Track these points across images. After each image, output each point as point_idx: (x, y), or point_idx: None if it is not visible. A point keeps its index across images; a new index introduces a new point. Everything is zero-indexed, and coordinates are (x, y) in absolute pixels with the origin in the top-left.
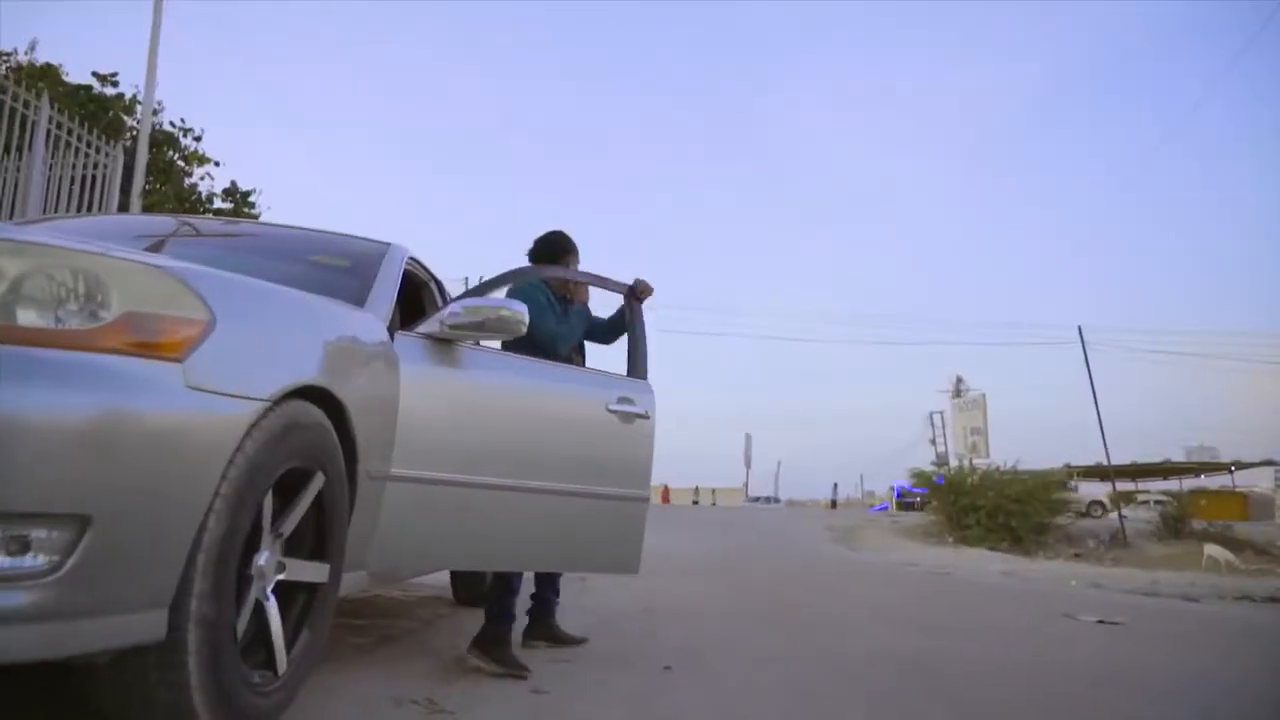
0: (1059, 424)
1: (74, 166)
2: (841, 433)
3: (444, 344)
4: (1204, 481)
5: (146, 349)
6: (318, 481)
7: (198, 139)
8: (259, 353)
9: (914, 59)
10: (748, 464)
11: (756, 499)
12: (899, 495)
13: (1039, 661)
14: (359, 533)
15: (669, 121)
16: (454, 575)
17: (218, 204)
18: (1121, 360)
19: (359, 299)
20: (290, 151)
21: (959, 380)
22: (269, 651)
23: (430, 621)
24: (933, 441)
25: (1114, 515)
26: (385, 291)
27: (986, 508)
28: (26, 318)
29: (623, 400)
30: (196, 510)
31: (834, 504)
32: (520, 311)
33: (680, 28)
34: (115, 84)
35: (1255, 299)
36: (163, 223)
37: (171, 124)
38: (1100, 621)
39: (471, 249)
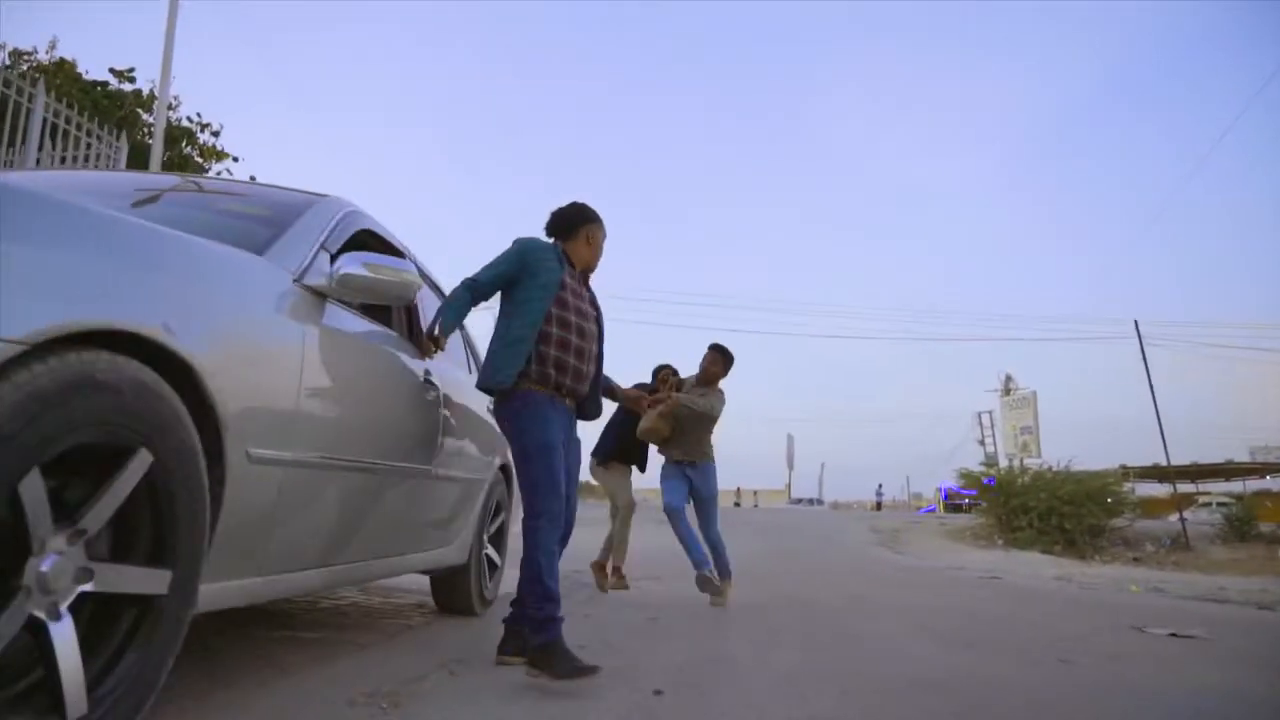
0: (1115, 423)
1: (74, 156)
2: (888, 433)
3: (336, 304)
4: (1269, 483)
5: None
6: (141, 461)
7: (216, 134)
8: (25, 283)
9: (962, 56)
10: (790, 465)
11: (799, 501)
12: (946, 497)
13: (1114, 688)
14: (241, 529)
15: (717, 121)
16: (434, 581)
17: None
18: (1182, 356)
19: (261, 248)
20: (319, 147)
21: (1008, 379)
22: (55, 693)
23: (394, 635)
24: (981, 442)
25: (1173, 518)
26: (300, 241)
27: (1038, 509)
28: None
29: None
30: None
31: (879, 506)
32: (415, 280)
33: (726, 30)
34: (132, 80)
35: None
36: (88, 176)
37: (189, 119)
38: (1174, 635)
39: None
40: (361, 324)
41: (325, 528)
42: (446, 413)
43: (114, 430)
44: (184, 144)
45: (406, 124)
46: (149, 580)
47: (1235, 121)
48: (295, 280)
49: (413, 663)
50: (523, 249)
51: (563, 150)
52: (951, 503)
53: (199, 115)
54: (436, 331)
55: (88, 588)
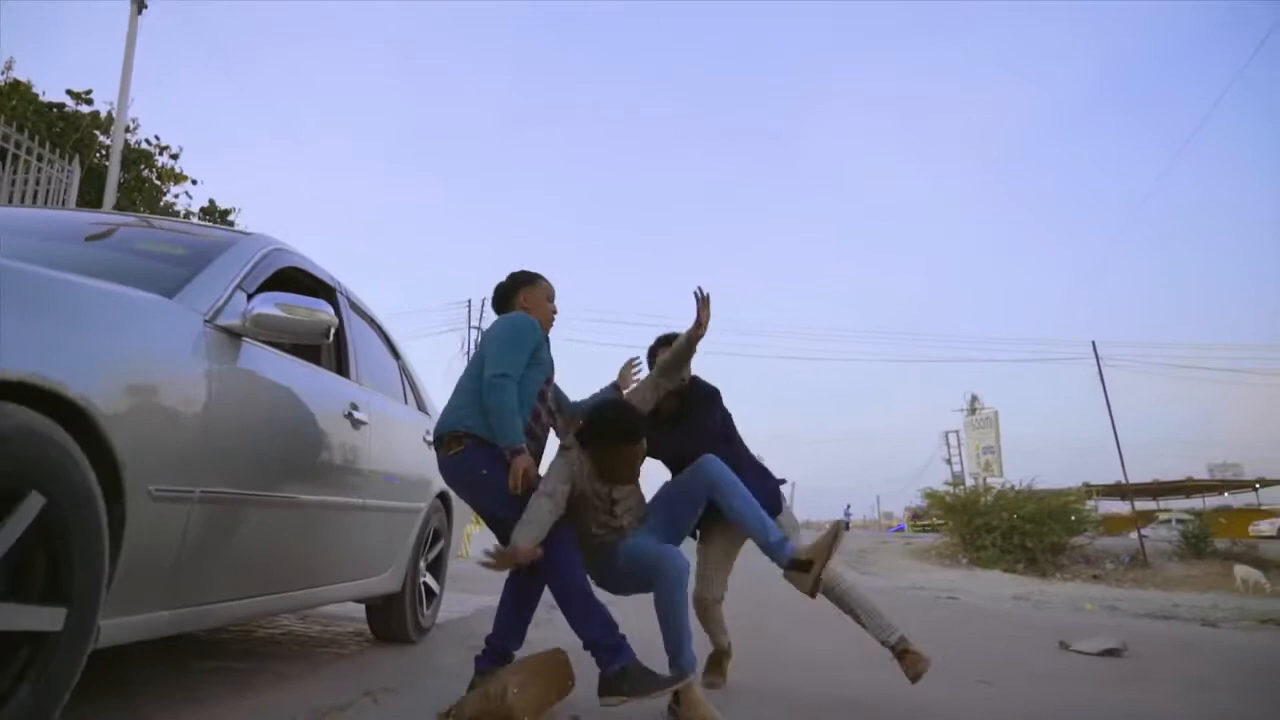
0: (1079, 442)
1: (25, 180)
2: (858, 453)
3: (252, 343)
4: (1228, 499)
5: None
6: (31, 504)
7: (174, 157)
8: None
9: (931, 85)
10: None
11: None
12: (915, 516)
13: (1024, 710)
14: (145, 565)
15: (690, 141)
16: (369, 609)
17: (195, 223)
18: (1143, 376)
19: (173, 290)
20: (285, 174)
21: (974, 399)
22: None
23: (324, 663)
24: (948, 461)
25: (1134, 535)
26: (213, 281)
27: (1001, 528)
28: None
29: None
30: None
31: (847, 525)
32: (328, 319)
33: (706, 48)
34: (90, 101)
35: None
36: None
37: (147, 141)
38: (1105, 653)
39: (489, 271)
40: (280, 361)
41: (239, 561)
42: (376, 443)
43: (2, 475)
44: (141, 166)
45: (378, 141)
46: (42, 618)
47: (1191, 137)
48: (207, 321)
49: (338, 690)
50: (529, 335)
51: (537, 167)
52: (920, 522)
53: (157, 138)
54: (519, 445)
55: None
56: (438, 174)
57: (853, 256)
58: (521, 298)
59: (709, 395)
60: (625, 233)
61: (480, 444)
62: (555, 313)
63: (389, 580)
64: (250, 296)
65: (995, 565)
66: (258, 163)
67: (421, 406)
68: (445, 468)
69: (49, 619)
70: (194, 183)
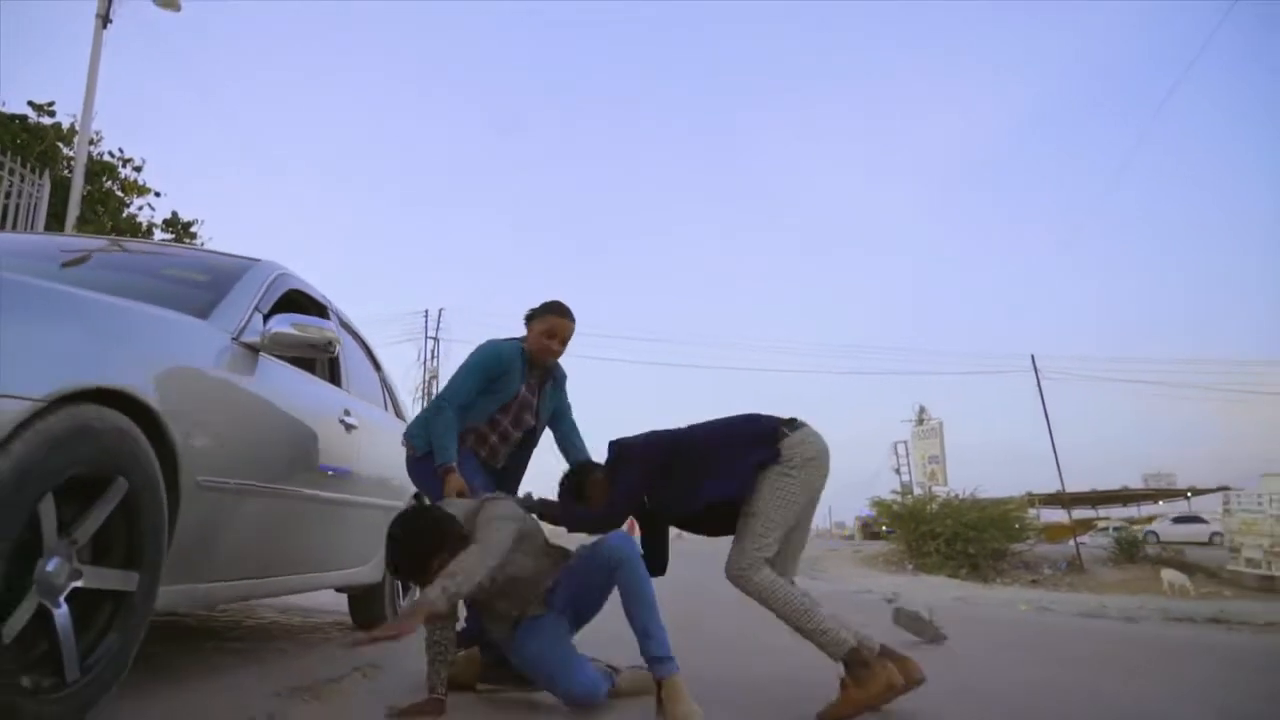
0: (1024, 452)
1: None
2: None
3: (267, 356)
4: (1162, 508)
5: None
6: (119, 488)
7: (138, 169)
8: (38, 353)
9: (880, 100)
10: None
11: None
12: (864, 525)
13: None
14: (189, 543)
15: (638, 153)
16: (351, 599)
17: (158, 234)
18: (1084, 388)
19: (205, 311)
20: (247, 185)
21: (922, 410)
22: (58, 660)
23: (313, 645)
24: (897, 471)
25: (1073, 541)
26: (237, 305)
27: (945, 535)
28: None
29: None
30: None
31: None
32: (334, 336)
33: (655, 59)
34: (52, 114)
35: (1214, 328)
36: (18, 239)
37: (110, 154)
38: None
39: (437, 282)
40: (288, 372)
41: (254, 544)
42: (364, 446)
43: (101, 464)
44: (105, 179)
45: (339, 151)
46: (123, 580)
47: (1133, 152)
48: (233, 339)
49: (331, 666)
50: (486, 365)
51: (488, 182)
52: (870, 530)
53: (120, 150)
54: (449, 464)
55: (78, 584)
56: (397, 184)
57: (805, 270)
58: (529, 328)
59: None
60: (564, 245)
61: (424, 455)
62: (552, 349)
63: (371, 571)
64: (266, 317)
65: (939, 571)
66: (220, 174)
67: (399, 414)
68: (408, 468)
69: (128, 581)
70: (157, 195)
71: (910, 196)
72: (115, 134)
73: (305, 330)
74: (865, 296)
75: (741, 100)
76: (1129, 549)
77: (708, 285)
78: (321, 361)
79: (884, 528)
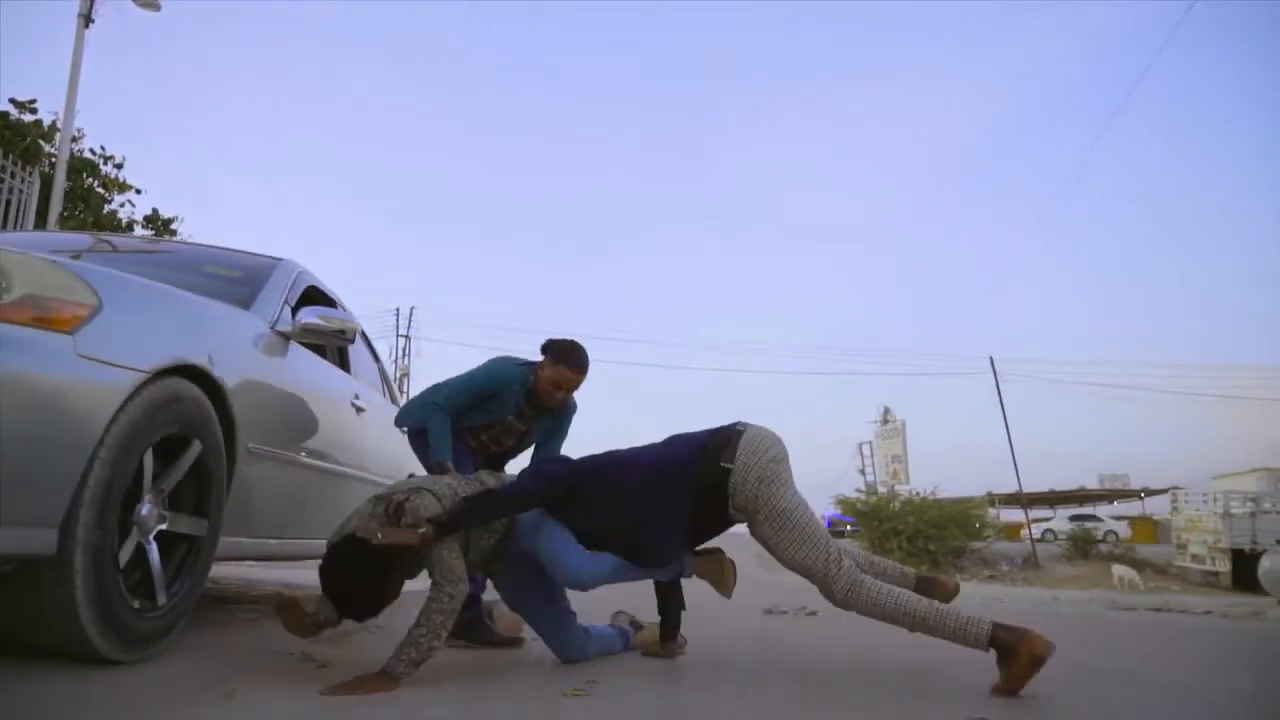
0: (986, 453)
1: None
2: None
3: (295, 344)
4: (1116, 508)
5: (42, 323)
6: (195, 449)
7: (119, 166)
8: (142, 335)
9: (846, 101)
10: None
11: None
12: (829, 524)
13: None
14: (240, 500)
15: (610, 155)
16: None
17: (139, 231)
18: (1043, 390)
19: (246, 303)
20: (224, 181)
21: (886, 410)
22: (151, 586)
23: None
24: (861, 471)
25: (1032, 537)
26: (271, 298)
27: (907, 532)
28: None
29: None
30: (82, 451)
31: None
32: (354, 326)
33: (620, 63)
34: (34, 111)
35: (1167, 333)
36: (82, 239)
37: (92, 151)
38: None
39: (409, 279)
40: (312, 359)
41: (284, 508)
42: (370, 427)
43: (184, 427)
44: (86, 176)
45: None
46: (196, 526)
47: (1091, 151)
48: (271, 327)
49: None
50: (480, 385)
51: (464, 181)
52: (835, 529)
53: (102, 148)
54: (443, 462)
55: (163, 527)
56: (372, 182)
57: (774, 272)
58: (543, 364)
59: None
60: (533, 246)
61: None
62: (555, 398)
63: None
64: (294, 310)
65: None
66: (200, 170)
67: (394, 400)
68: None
69: (199, 527)
70: (138, 192)
71: (878, 199)
72: (96, 131)
73: (330, 321)
74: (833, 299)
75: (709, 103)
76: (1083, 546)
77: (678, 286)
78: (332, 351)
79: (849, 527)
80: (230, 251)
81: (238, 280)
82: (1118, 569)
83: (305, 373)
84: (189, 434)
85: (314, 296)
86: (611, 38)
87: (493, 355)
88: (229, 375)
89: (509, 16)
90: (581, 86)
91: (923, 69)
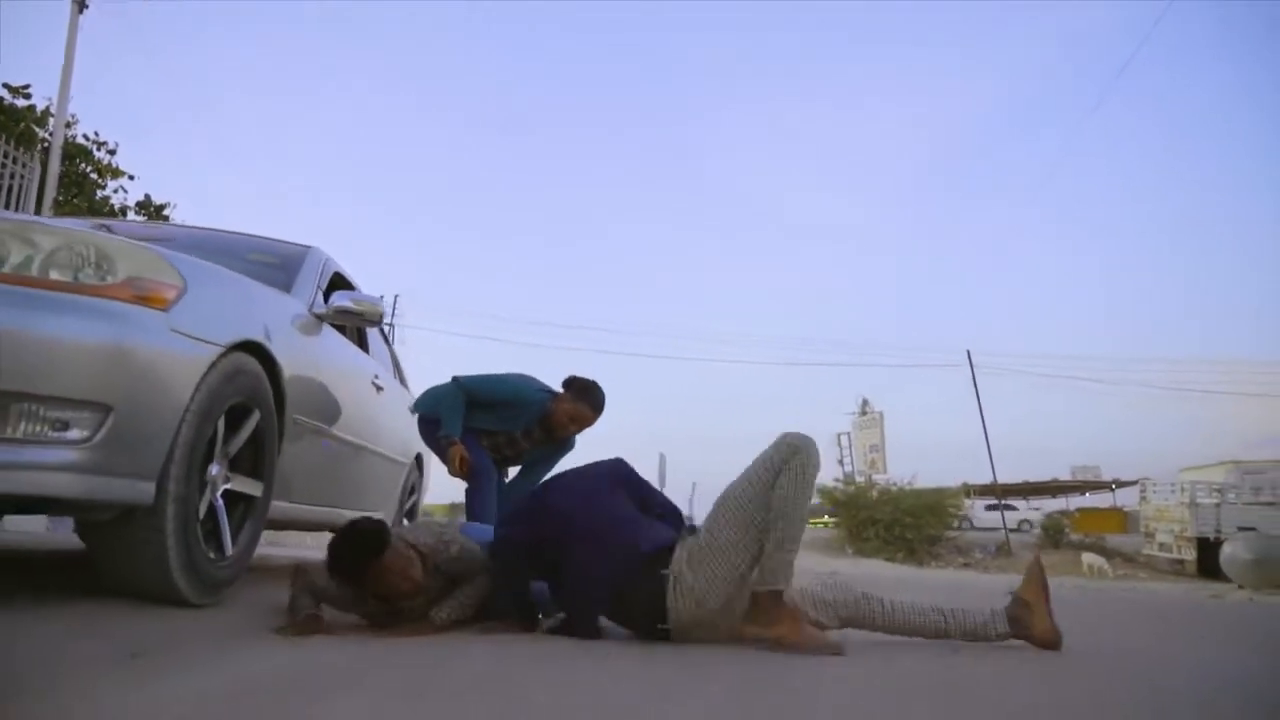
0: (962, 445)
1: None
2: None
3: (328, 325)
4: (1088, 499)
5: (143, 300)
6: (254, 417)
7: (112, 152)
8: (217, 313)
9: (826, 97)
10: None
11: None
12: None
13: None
14: (285, 469)
15: (595, 150)
16: None
17: (131, 217)
18: (1019, 384)
19: (286, 287)
20: (218, 168)
21: (865, 402)
22: (219, 539)
23: None
24: (840, 461)
25: (1005, 529)
26: (307, 283)
27: (884, 521)
28: (56, 274)
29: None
30: (175, 414)
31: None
32: (381, 309)
33: (610, 59)
34: (28, 96)
35: (1145, 327)
36: (137, 227)
37: (85, 136)
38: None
39: (390, 273)
40: (340, 339)
41: (318, 476)
42: (386, 406)
43: (248, 397)
44: (80, 162)
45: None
46: (253, 487)
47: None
48: (308, 309)
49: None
50: (512, 393)
51: (455, 178)
52: (811, 519)
53: (96, 134)
54: (452, 436)
55: (228, 486)
56: (359, 171)
57: (756, 266)
58: (563, 396)
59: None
60: (514, 239)
61: (430, 419)
62: (568, 430)
63: (384, 517)
64: (327, 295)
65: (877, 555)
66: (193, 156)
67: (403, 382)
68: (419, 429)
69: (256, 488)
70: (131, 178)
71: (859, 194)
72: (90, 118)
73: (360, 304)
74: (812, 292)
75: (693, 99)
76: (1054, 535)
77: (662, 279)
78: (351, 332)
79: (827, 516)
80: (265, 239)
81: (275, 266)
82: (1087, 557)
83: (336, 352)
84: (250, 404)
85: (338, 282)
86: (602, 35)
87: (475, 350)
88: (280, 352)
89: (505, 15)
90: (574, 83)
91: (908, 65)
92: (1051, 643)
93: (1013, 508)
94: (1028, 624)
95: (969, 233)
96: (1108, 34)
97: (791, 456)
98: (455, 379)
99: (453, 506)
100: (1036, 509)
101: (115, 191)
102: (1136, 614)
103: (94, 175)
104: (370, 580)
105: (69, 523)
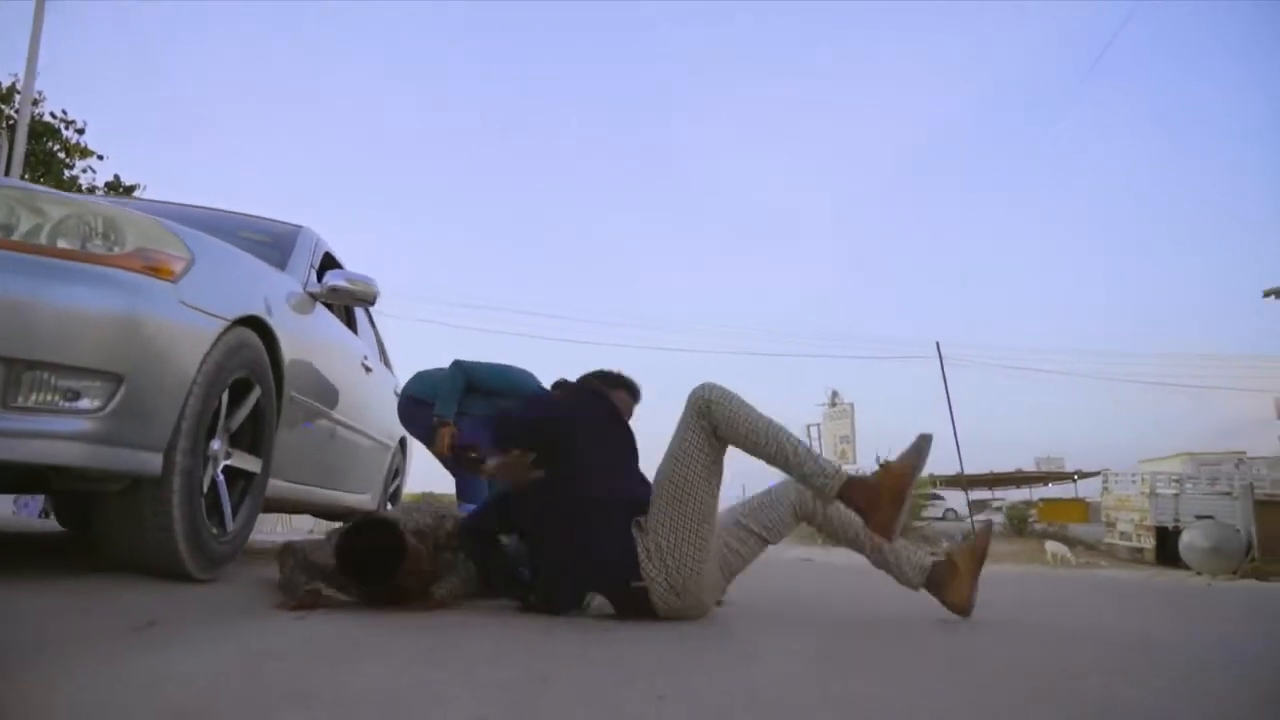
0: (933, 434)
1: None
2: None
3: (320, 304)
4: (1051, 490)
5: (152, 271)
6: (255, 393)
7: (80, 131)
8: (222, 287)
9: (800, 90)
10: None
11: None
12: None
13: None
14: (280, 447)
15: (567, 140)
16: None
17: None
18: (987, 376)
19: (281, 265)
20: (188, 147)
21: (834, 393)
22: (221, 514)
23: None
24: None
25: (980, 516)
26: (301, 261)
27: None
28: (64, 243)
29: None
30: (183, 386)
31: None
32: (375, 290)
33: (583, 50)
34: None
35: (1102, 320)
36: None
37: (53, 114)
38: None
39: (356, 260)
40: (332, 319)
41: (310, 456)
42: (374, 389)
43: (250, 372)
44: (46, 140)
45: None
46: (252, 463)
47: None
48: (303, 287)
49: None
50: (509, 384)
51: (424, 167)
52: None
53: (64, 112)
54: (446, 418)
55: (228, 462)
56: (331, 155)
57: (728, 256)
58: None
59: None
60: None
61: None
62: None
63: (369, 502)
64: (320, 274)
65: (842, 542)
66: (163, 136)
67: (388, 365)
68: (399, 412)
69: (254, 464)
70: (100, 158)
71: (831, 187)
72: (57, 96)
73: (355, 284)
74: (783, 283)
75: (663, 92)
76: (1018, 524)
77: (629, 269)
78: (338, 311)
79: None
80: (254, 218)
81: (268, 244)
82: (1050, 545)
83: (329, 332)
84: (252, 379)
85: (329, 263)
86: (585, 33)
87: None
88: (280, 328)
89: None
90: (544, 75)
91: (880, 59)
92: (961, 610)
93: (940, 498)
94: (946, 585)
95: (941, 226)
96: (1075, 37)
97: (708, 408)
98: (457, 362)
99: (425, 496)
100: (1000, 500)
101: (84, 171)
102: (1138, 598)
103: (62, 154)
104: (375, 575)
105: (36, 505)
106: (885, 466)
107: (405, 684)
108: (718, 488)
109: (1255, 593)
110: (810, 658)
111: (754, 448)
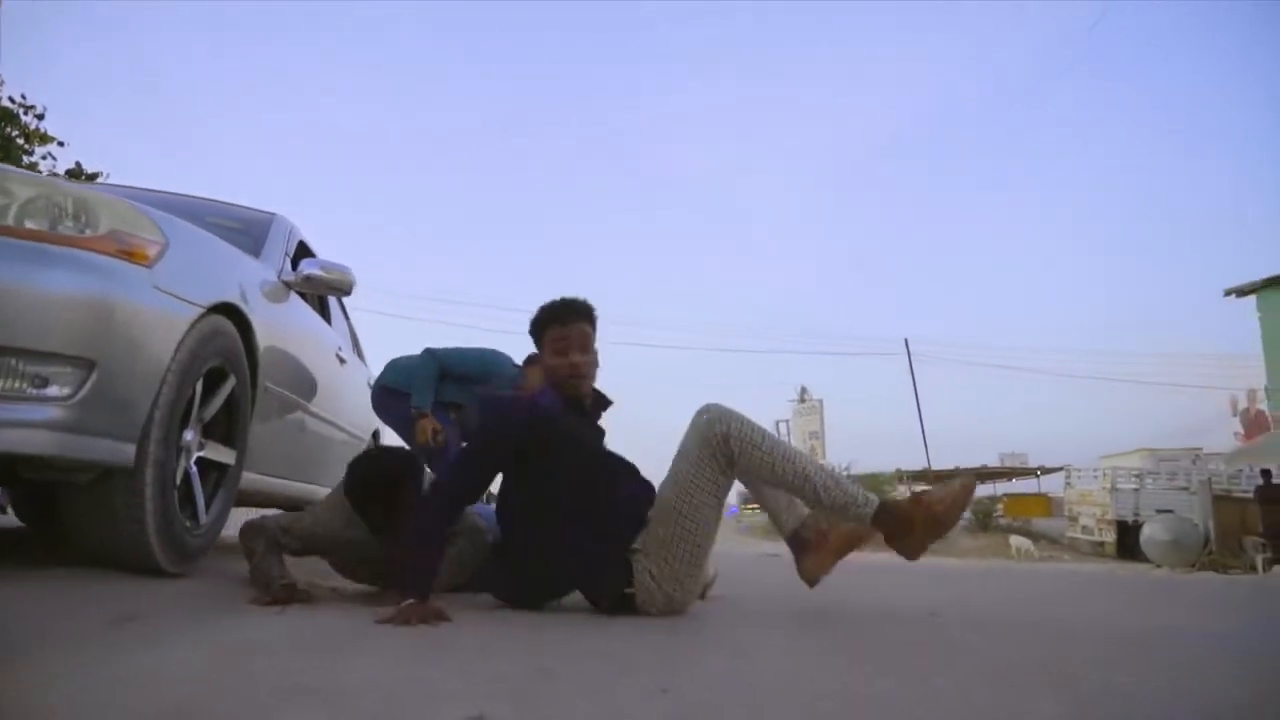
0: (898, 432)
1: None
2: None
3: (294, 293)
4: (1014, 485)
5: (126, 255)
6: (230, 382)
7: (40, 116)
8: (197, 273)
9: (769, 84)
10: None
11: None
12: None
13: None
14: (253, 438)
15: (540, 133)
16: None
17: None
18: (954, 372)
19: (255, 253)
20: (155, 134)
21: (804, 390)
22: (194, 506)
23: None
24: None
25: None
26: (275, 249)
27: None
28: (32, 225)
29: None
30: (156, 374)
31: None
32: (351, 279)
33: (552, 47)
34: None
35: (1069, 319)
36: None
37: (11, 99)
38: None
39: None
40: (306, 309)
41: (283, 448)
42: (348, 381)
43: (224, 361)
44: (4, 125)
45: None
46: (226, 454)
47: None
48: (277, 276)
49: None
50: (484, 366)
51: (393, 158)
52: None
53: (23, 96)
54: (424, 409)
55: (202, 454)
56: (305, 144)
57: (690, 251)
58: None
59: None
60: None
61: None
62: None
63: None
64: (295, 262)
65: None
66: (129, 123)
67: (361, 357)
68: (373, 403)
69: (228, 456)
70: (60, 144)
71: (799, 181)
72: (16, 79)
73: (330, 273)
74: (751, 278)
75: (634, 87)
76: (984, 520)
77: (597, 263)
78: (312, 301)
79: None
80: (226, 204)
81: (240, 231)
82: (1015, 540)
83: (303, 321)
84: (226, 368)
85: (302, 251)
86: (561, 30)
87: (442, 332)
88: (254, 316)
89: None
90: (514, 71)
91: (852, 52)
92: (911, 556)
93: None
94: (904, 531)
95: (912, 223)
96: (1050, 35)
97: (725, 442)
98: (429, 350)
99: None
100: None
101: (44, 158)
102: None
103: (20, 140)
104: (388, 506)
105: None
106: (916, 497)
107: (399, 678)
108: (722, 508)
109: (1254, 587)
110: (808, 652)
111: (775, 479)
